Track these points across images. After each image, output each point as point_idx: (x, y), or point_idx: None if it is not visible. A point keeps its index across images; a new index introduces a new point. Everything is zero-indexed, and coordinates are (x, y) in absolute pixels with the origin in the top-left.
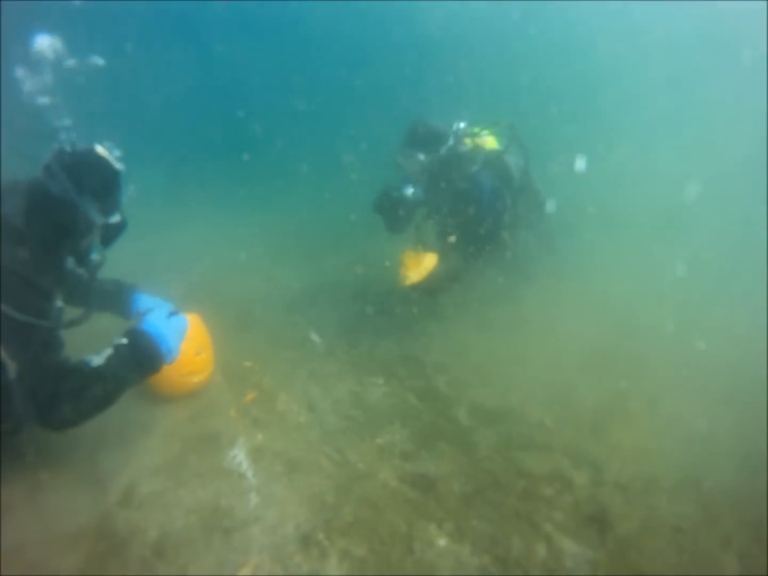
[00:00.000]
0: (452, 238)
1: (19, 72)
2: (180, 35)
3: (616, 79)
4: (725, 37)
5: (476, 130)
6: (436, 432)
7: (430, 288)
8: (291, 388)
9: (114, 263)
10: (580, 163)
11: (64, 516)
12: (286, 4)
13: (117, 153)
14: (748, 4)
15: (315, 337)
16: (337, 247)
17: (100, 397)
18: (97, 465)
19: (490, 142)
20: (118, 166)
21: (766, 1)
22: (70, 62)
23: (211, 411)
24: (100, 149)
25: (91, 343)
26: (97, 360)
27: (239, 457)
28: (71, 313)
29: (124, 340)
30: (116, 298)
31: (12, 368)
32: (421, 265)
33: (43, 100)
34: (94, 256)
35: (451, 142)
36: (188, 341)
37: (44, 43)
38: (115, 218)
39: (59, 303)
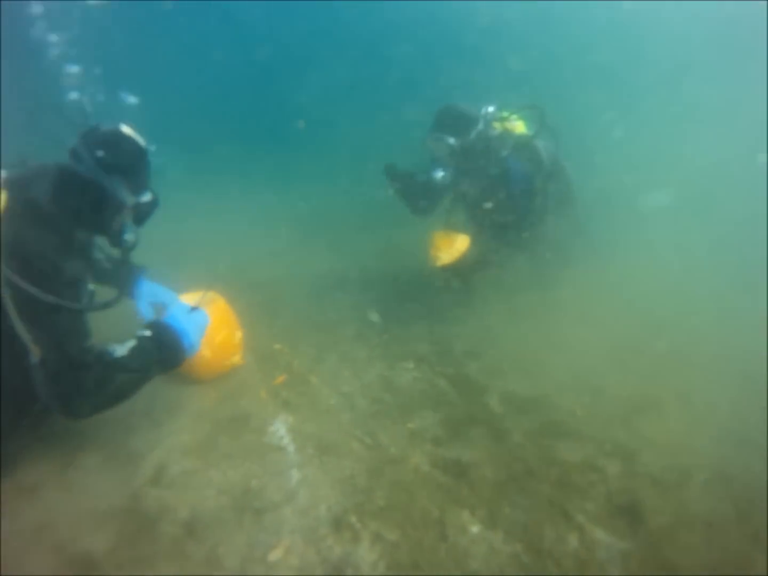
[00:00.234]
0: (486, 220)
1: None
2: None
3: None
4: None
5: (505, 114)
6: (467, 418)
7: (460, 270)
8: (321, 371)
9: (145, 247)
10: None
11: (95, 494)
12: None
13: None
14: None
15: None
16: (365, 232)
17: (120, 389)
18: (127, 445)
19: (519, 126)
20: (145, 143)
21: (766, 1)
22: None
23: (241, 392)
24: (125, 128)
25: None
26: (121, 351)
27: (280, 432)
28: (102, 297)
29: (148, 333)
30: (123, 276)
31: (35, 353)
32: (453, 247)
33: (72, 69)
34: (128, 237)
35: (481, 126)
36: (223, 325)
37: None
38: (146, 197)
39: (90, 286)
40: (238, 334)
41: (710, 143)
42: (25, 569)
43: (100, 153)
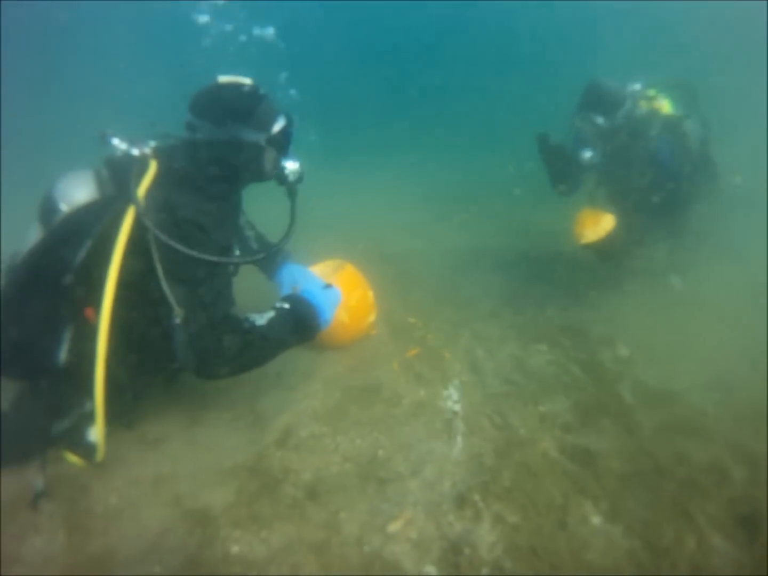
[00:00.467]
0: (631, 202)
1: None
2: None
3: None
4: None
5: (651, 93)
6: (599, 406)
7: (603, 250)
8: (454, 347)
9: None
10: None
11: (219, 451)
12: None
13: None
14: None
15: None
16: (499, 213)
17: (257, 357)
18: (256, 406)
19: (666, 106)
20: (248, 80)
21: (765, 1)
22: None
23: (374, 362)
24: (222, 78)
25: None
26: (260, 320)
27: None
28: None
29: (287, 305)
30: (270, 259)
31: (179, 313)
32: (598, 225)
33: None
34: (288, 171)
35: (628, 105)
36: (355, 288)
37: None
38: (278, 125)
39: (237, 253)
40: (370, 294)
41: None
42: (139, 519)
43: (208, 113)
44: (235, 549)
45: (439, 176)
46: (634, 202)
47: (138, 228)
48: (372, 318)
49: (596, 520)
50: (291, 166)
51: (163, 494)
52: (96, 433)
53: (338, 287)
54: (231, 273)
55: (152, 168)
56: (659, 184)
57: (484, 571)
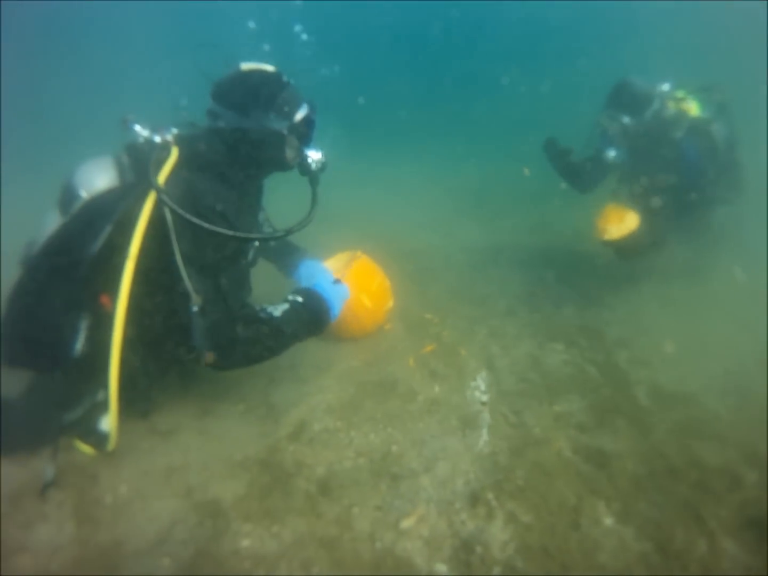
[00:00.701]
0: (655, 202)
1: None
2: None
3: None
4: None
5: (680, 94)
6: (614, 407)
7: (625, 248)
8: (470, 344)
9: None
10: None
11: (231, 443)
12: None
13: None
14: None
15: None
16: (516, 210)
17: (272, 348)
18: (269, 398)
19: (693, 108)
20: (271, 67)
21: (765, 1)
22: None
23: (389, 358)
24: (244, 65)
25: None
26: (276, 312)
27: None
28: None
29: (300, 298)
30: (286, 256)
31: (196, 301)
32: (622, 222)
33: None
34: (311, 160)
35: (656, 105)
36: (374, 274)
37: None
38: (300, 113)
39: (255, 243)
40: (387, 281)
41: None
42: (149, 510)
43: (230, 100)
44: (245, 543)
45: (465, 170)
46: (657, 203)
47: (158, 213)
48: (390, 304)
49: (608, 521)
50: (314, 155)
51: (174, 485)
52: (108, 422)
53: (350, 280)
54: (249, 263)
55: (174, 154)
56: (683, 186)
57: (496, 570)
